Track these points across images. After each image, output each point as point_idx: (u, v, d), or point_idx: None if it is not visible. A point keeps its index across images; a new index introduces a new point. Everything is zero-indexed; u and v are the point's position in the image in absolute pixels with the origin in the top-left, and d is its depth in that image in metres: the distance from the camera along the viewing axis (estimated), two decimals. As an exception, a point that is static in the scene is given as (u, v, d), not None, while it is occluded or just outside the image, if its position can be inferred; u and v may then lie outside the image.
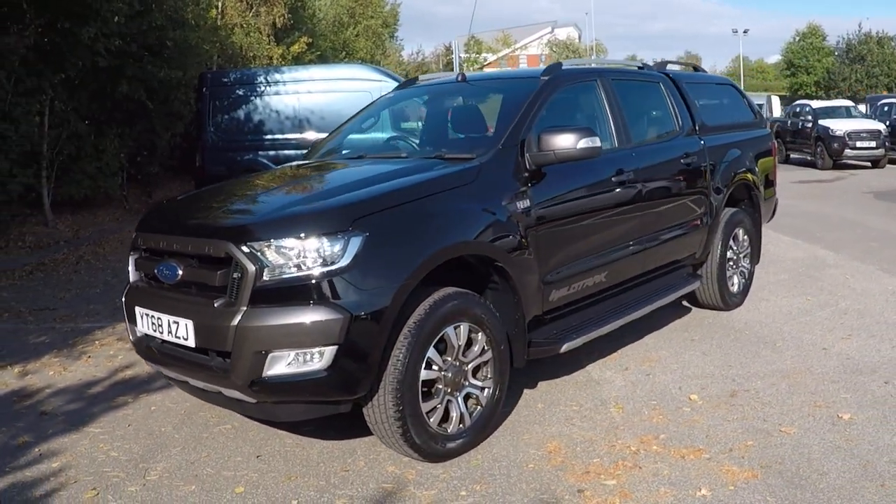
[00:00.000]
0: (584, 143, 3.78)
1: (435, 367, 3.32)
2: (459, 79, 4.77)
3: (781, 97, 39.21)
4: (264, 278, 3.06)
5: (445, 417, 3.41)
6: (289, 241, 3.07)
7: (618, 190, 4.38)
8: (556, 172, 3.95)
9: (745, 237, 5.84)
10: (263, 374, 3.04)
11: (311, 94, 10.56)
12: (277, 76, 11.19)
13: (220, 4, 17.97)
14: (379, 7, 35.11)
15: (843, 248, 8.07)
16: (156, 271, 3.47)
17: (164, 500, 3.18)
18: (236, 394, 3.20)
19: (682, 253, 5.13)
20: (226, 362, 3.13)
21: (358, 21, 34.05)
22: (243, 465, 3.48)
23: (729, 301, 5.66)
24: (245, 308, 3.06)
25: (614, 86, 4.66)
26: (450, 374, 3.38)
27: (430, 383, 3.33)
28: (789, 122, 21.44)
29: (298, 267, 3.05)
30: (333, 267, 3.04)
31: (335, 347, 3.00)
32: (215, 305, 3.15)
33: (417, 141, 4.85)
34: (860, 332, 5.11)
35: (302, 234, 3.07)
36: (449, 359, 3.38)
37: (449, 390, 3.39)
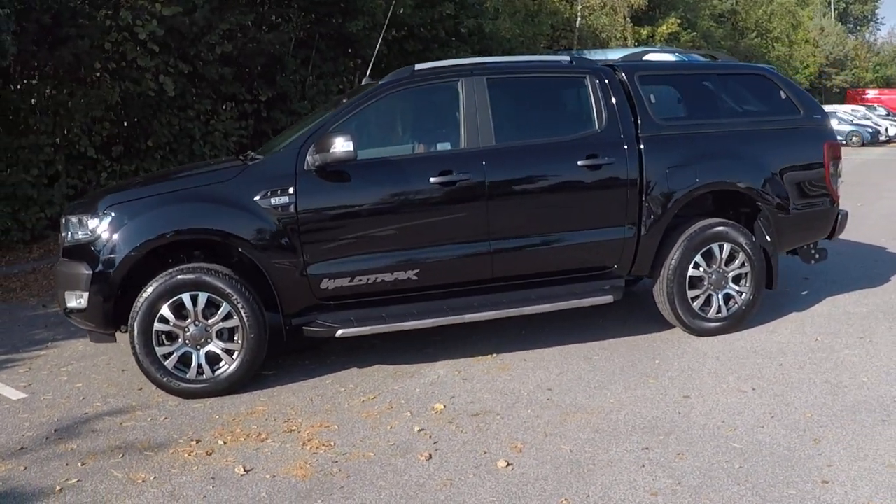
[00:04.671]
0: (340, 148, 4.08)
1: (170, 323, 4.20)
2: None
3: None
4: (67, 240, 4.39)
5: (188, 365, 4.27)
6: (78, 217, 4.33)
7: (437, 191, 4.37)
8: (348, 173, 4.28)
9: (738, 255, 4.81)
10: (66, 306, 4.39)
11: None
12: None
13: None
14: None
15: None
16: None
17: (32, 379, 4.66)
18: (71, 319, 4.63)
19: (575, 262, 4.65)
20: None
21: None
22: (108, 375, 4.73)
23: (690, 324, 4.81)
24: (60, 260, 4.45)
25: (488, 85, 4.52)
26: (189, 331, 4.22)
27: (171, 334, 4.23)
28: None
29: (77, 235, 4.30)
30: (91, 238, 4.22)
31: (87, 293, 4.19)
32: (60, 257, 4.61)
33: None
34: (772, 388, 4.02)
35: (80, 213, 4.32)
36: (190, 319, 4.22)
37: (189, 343, 4.24)
